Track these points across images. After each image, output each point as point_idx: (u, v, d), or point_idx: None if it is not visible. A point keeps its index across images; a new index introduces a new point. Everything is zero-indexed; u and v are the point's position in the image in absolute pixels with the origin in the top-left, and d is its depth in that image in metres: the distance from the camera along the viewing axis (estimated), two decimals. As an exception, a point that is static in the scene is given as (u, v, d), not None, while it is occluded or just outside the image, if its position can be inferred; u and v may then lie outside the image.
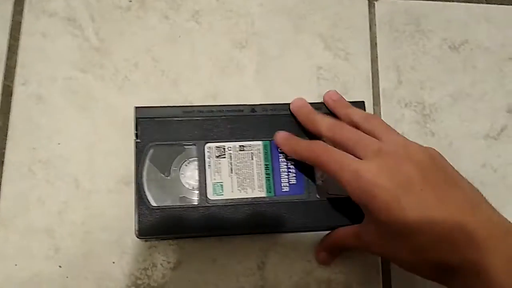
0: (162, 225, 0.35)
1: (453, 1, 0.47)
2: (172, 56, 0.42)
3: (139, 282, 0.37)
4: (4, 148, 0.38)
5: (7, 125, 0.39)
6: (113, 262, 0.37)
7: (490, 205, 0.31)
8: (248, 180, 0.37)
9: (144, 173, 0.36)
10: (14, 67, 0.40)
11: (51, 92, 0.40)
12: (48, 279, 0.36)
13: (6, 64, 0.40)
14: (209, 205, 0.36)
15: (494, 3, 0.47)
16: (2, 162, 0.38)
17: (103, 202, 0.38)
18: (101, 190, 0.38)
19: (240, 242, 0.38)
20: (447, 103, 0.44)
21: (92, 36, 0.41)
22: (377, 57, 0.44)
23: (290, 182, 0.38)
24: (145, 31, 0.42)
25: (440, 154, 0.33)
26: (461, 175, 0.33)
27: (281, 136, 0.37)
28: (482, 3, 0.47)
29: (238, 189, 0.37)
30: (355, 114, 0.37)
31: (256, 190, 0.37)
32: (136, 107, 0.38)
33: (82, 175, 0.38)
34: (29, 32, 0.41)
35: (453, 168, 0.33)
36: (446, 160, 0.33)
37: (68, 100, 0.40)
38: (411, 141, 0.34)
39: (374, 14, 0.45)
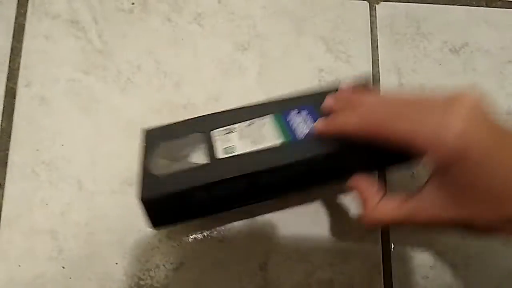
0: (169, 186, 0.30)
1: (453, 4, 0.47)
2: (175, 58, 0.42)
3: (141, 283, 0.37)
4: (8, 150, 0.39)
5: (11, 126, 0.39)
6: (116, 263, 0.37)
7: None
8: (261, 137, 0.33)
9: (151, 159, 0.32)
10: (18, 69, 0.40)
11: (54, 94, 0.40)
12: (52, 280, 0.36)
13: (10, 66, 0.40)
14: (220, 161, 0.31)
15: (494, 6, 0.48)
16: (6, 163, 0.38)
17: (106, 203, 0.38)
18: (104, 191, 0.39)
19: (241, 242, 0.39)
20: (447, 106, 0.44)
21: (95, 38, 0.42)
22: (378, 59, 0.44)
23: (307, 129, 0.33)
24: (148, 34, 0.42)
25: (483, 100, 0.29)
26: None
27: (320, 123, 0.33)
28: (482, 6, 0.47)
29: (251, 144, 0.32)
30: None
31: (271, 142, 0.33)
32: (144, 130, 0.35)
33: (85, 176, 0.39)
34: (32, 35, 0.41)
35: None
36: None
37: (71, 102, 0.40)
38: (453, 93, 0.29)
39: (375, 17, 0.45)
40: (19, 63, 0.40)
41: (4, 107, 0.39)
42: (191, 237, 0.38)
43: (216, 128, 0.34)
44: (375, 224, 0.32)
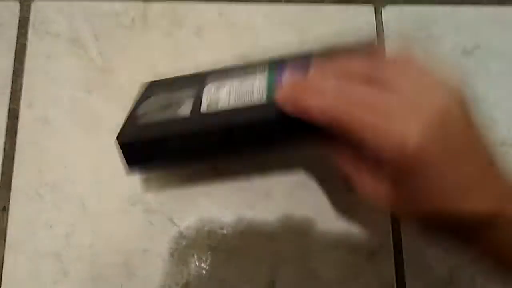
0: (145, 132, 0.32)
1: (463, 4, 0.45)
2: (176, 73, 0.41)
3: (148, 304, 0.37)
4: (12, 172, 0.38)
5: (14, 148, 0.39)
6: (121, 285, 0.37)
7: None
8: (246, 93, 0.32)
9: (139, 107, 0.34)
10: (20, 90, 0.40)
11: (56, 114, 0.40)
12: (57, 303, 0.36)
13: (12, 87, 0.40)
14: (202, 115, 0.32)
15: (507, 4, 0.46)
16: (10, 186, 0.38)
17: (110, 223, 0.38)
18: (108, 211, 0.38)
19: (248, 260, 0.38)
20: (460, 111, 0.42)
21: (96, 56, 0.41)
22: (385, 65, 0.43)
23: None
24: (149, 49, 0.42)
25: (463, 98, 0.28)
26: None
27: (283, 90, 0.30)
28: (493, 4, 0.45)
29: (235, 100, 0.32)
30: (351, 64, 0.30)
31: (256, 98, 0.31)
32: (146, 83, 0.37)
33: (89, 197, 0.38)
34: (33, 55, 0.41)
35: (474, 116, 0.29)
36: (468, 105, 0.28)
37: (74, 121, 0.40)
38: (429, 86, 0.28)
39: (382, 22, 0.44)
40: (21, 84, 0.40)
41: (7, 129, 0.39)
42: (197, 256, 0.38)
43: (208, 83, 0.34)
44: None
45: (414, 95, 0.27)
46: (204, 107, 0.32)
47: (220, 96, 0.32)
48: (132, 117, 0.33)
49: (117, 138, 0.32)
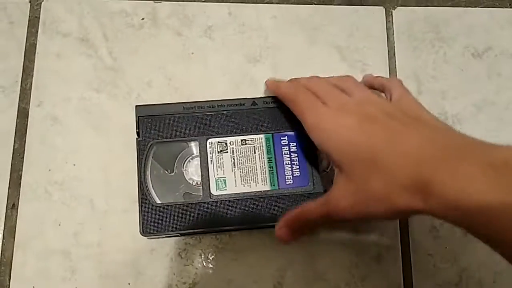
0: (166, 222, 0.36)
1: (475, 6, 0.45)
2: (186, 72, 0.41)
3: (155, 303, 0.37)
4: (21, 170, 0.39)
5: (24, 147, 0.39)
6: (129, 284, 0.37)
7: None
8: (251, 174, 0.37)
9: (148, 171, 0.37)
10: (30, 89, 0.40)
11: (66, 113, 0.40)
12: (65, 301, 0.36)
13: (22, 86, 0.40)
14: (213, 200, 0.36)
15: (520, 6, 0.45)
16: (19, 183, 0.38)
17: (118, 222, 0.38)
18: (116, 210, 0.38)
19: (256, 261, 0.38)
20: (471, 113, 0.42)
21: (105, 55, 0.41)
22: (395, 67, 0.43)
23: (294, 174, 0.37)
24: (158, 49, 0.42)
25: (410, 100, 0.34)
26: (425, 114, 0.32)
27: (268, 82, 0.40)
28: (506, 7, 0.45)
29: (242, 184, 0.37)
30: (331, 79, 0.37)
31: (260, 184, 0.37)
32: (137, 106, 0.38)
33: (98, 195, 0.38)
34: (43, 54, 0.41)
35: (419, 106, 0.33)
36: (412, 101, 0.34)
37: (83, 120, 0.40)
38: (381, 98, 0.35)
39: (392, 23, 0.44)
40: (31, 83, 0.40)
41: (16, 128, 0.39)
42: (204, 256, 0.38)
43: (212, 136, 0.37)
44: (293, 220, 0.33)
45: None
46: (212, 185, 0.36)
47: (225, 169, 0.37)
48: (144, 192, 0.36)
49: (141, 232, 0.35)
